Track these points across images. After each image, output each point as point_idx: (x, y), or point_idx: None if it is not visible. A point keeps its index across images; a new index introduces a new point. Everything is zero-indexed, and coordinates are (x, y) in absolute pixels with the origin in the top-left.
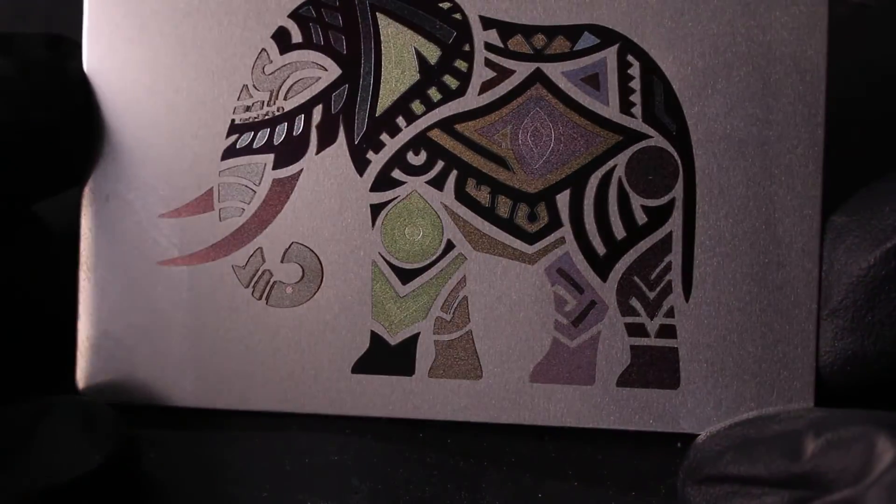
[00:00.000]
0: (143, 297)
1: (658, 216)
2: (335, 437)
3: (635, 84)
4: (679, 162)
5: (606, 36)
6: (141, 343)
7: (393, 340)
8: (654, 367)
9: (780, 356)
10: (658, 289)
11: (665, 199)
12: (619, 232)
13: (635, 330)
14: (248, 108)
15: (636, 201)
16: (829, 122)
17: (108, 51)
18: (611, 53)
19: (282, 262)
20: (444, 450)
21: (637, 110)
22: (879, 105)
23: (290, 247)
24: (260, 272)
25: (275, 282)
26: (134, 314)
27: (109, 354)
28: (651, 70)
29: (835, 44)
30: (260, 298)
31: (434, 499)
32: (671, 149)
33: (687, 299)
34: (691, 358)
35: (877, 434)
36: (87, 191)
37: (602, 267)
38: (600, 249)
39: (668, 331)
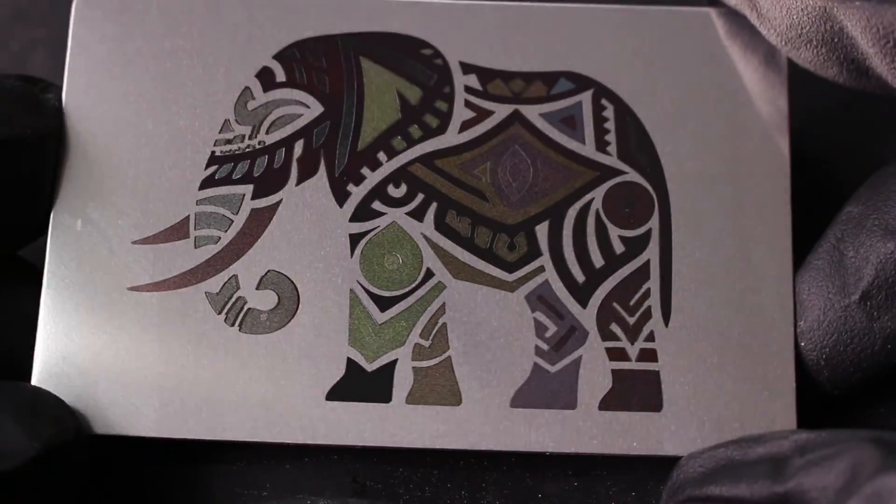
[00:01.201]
0: (109, 322)
1: (635, 245)
2: None
3: (610, 125)
4: (654, 196)
5: (581, 82)
6: (103, 370)
7: (370, 367)
8: (636, 391)
9: (761, 376)
10: (638, 314)
11: (642, 230)
12: (598, 260)
13: (616, 354)
14: (228, 141)
15: (614, 232)
16: (794, 156)
17: (89, 83)
18: (586, 97)
19: (257, 288)
20: (444, 449)
21: (612, 148)
22: (839, 137)
23: (266, 274)
24: (234, 299)
25: (249, 308)
26: (98, 340)
27: (67, 380)
28: (625, 112)
29: (795, 83)
30: (233, 325)
31: (434, 499)
32: (646, 184)
33: (667, 324)
34: (673, 381)
35: (860, 450)
36: (55, 215)
37: (582, 294)
38: (579, 277)
39: (649, 354)
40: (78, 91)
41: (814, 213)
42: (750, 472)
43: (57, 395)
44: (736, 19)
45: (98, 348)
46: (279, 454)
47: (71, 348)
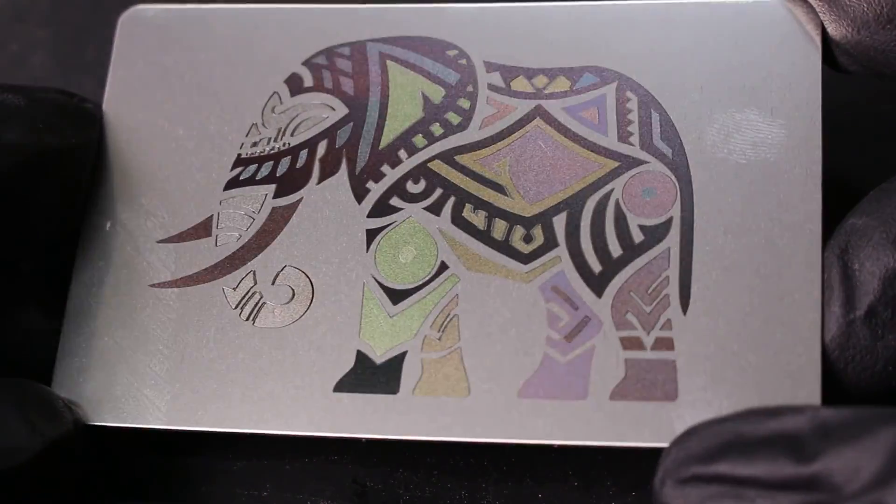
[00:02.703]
0: (127, 317)
1: (655, 234)
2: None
3: (633, 116)
4: (676, 184)
5: (606, 75)
6: (121, 364)
7: (378, 359)
8: (650, 380)
9: (784, 365)
10: (655, 303)
11: (663, 218)
12: (616, 250)
13: (631, 343)
14: (255, 144)
15: (633, 221)
16: (826, 140)
17: (128, 94)
18: (610, 90)
19: (273, 284)
20: (444, 450)
21: (635, 139)
22: (873, 123)
23: (282, 269)
24: (250, 293)
25: (264, 303)
26: (116, 333)
27: (87, 373)
28: (649, 103)
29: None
30: (247, 319)
31: (434, 499)
32: (669, 172)
33: (685, 312)
34: (690, 370)
35: (894, 431)
36: (86, 218)
37: (597, 283)
38: (596, 267)
39: (665, 343)
40: (117, 102)
41: (845, 199)
42: (766, 450)
43: (77, 387)
44: (769, 9)
45: (117, 342)
46: (279, 454)
47: (92, 343)
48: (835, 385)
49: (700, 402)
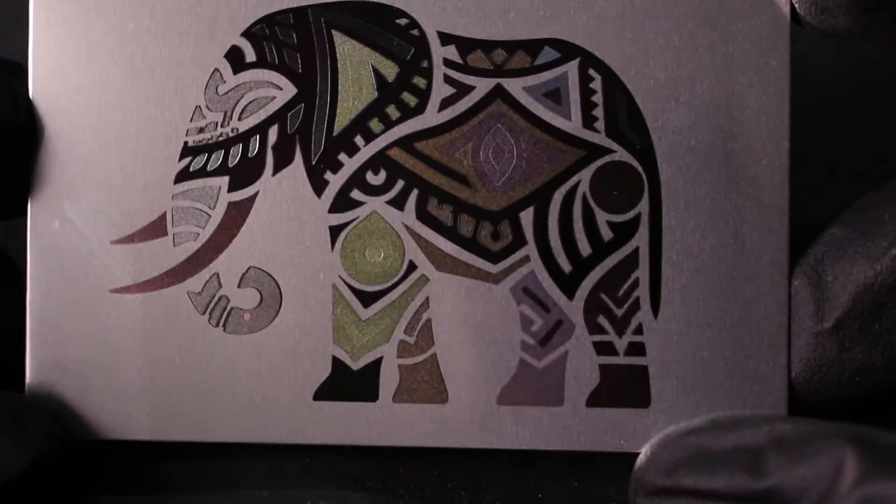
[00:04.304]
0: (94, 326)
1: (624, 232)
2: None
3: (597, 98)
4: (644, 176)
5: (567, 50)
6: (92, 375)
7: (355, 366)
8: (623, 386)
9: (752, 371)
10: (626, 306)
11: (631, 215)
12: (585, 249)
13: (604, 348)
14: (201, 130)
15: (601, 217)
16: (794, 133)
17: (55, 73)
18: (572, 68)
19: (239, 287)
20: (444, 449)
21: (600, 125)
22: (845, 114)
23: (247, 271)
24: (216, 298)
25: (232, 308)
26: (84, 344)
27: (59, 386)
28: (613, 84)
29: (798, 53)
30: (217, 325)
31: (434, 499)
32: (636, 163)
33: (655, 316)
34: (662, 376)
35: (842, 450)
36: (32, 216)
37: (568, 285)
38: (566, 267)
39: (637, 348)
40: (44, 80)
41: (813, 194)
42: (725, 464)
43: (50, 402)
44: None
45: (87, 354)
46: (279, 454)
47: (60, 355)
48: (800, 395)
49: (672, 408)
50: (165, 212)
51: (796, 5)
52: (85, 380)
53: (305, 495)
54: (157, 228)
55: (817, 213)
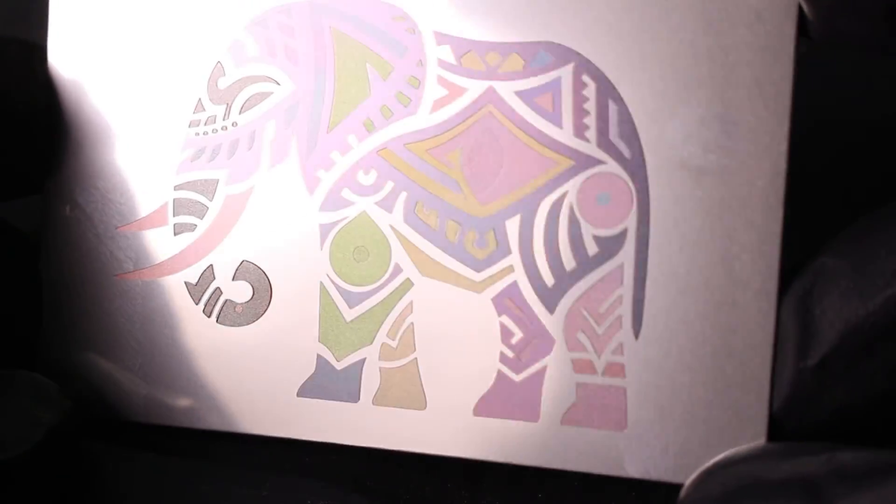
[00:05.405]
0: (100, 309)
1: (609, 247)
2: None
3: (590, 106)
4: (633, 190)
5: (562, 54)
6: (97, 356)
7: (339, 365)
8: (600, 407)
9: (732, 402)
10: (607, 324)
11: (617, 230)
12: (569, 262)
13: (582, 366)
14: (202, 122)
15: (587, 230)
16: (793, 153)
17: (72, 61)
18: (566, 73)
19: (233, 279)
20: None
21: (591, 134)
22: (846, 134)
23: (241, 265)
24: (211, 289)
25: (226, 300)
26: (91, 326)
27: (68, 369)
28: (607, 91)
29: (801, 69)
30: (210, 316)
31: (435, 498)
32: (625, 176)
33: (637, 336)
34: (639, 399)
35: None
36: (46, 200)
37: (550, 298)
38: (549, 280)
39: (616, 369)
40: (61, 66)
41: (808, 218)
42: (781, 494)
43: (59, 379)
44: None
45: (91, 336)
46: (279, 454)
47: (68, 337)
48: (779, 428)
49: (648, 434)
50: (167, 202)
51: (807, 11)
52: (89, 362)
53: (305, 495)
54: (158, 217)
55: (812, 240)
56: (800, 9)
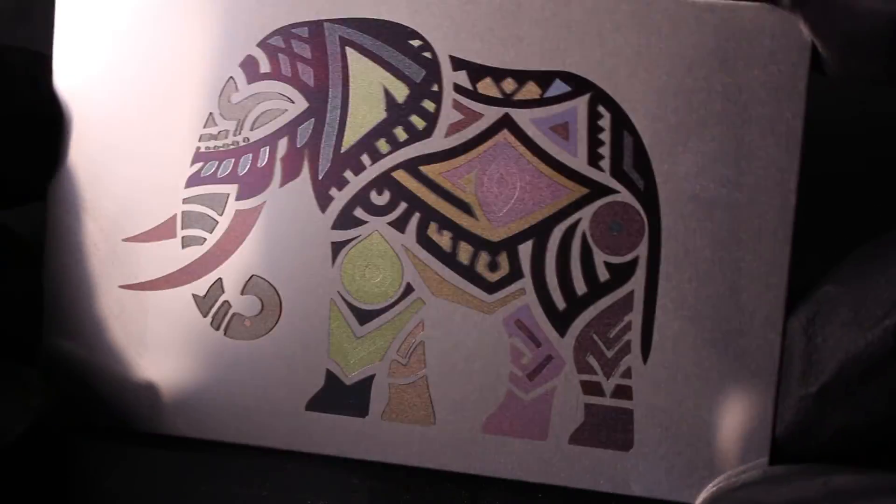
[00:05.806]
0: (104, 320)
1: (621, 274)
2: None
3: (605, 136)
4: (645, 219)
5: (578, 84)
6: (101, 366)
7: (348, 380)
8: (607, 428)
9: (737, 427)
10: (616, 348)
11: (629, 257)
12: (581, 287)
13: (591, 388)
14: (213, 137)
15: (599, 257)
16: (802, 189)
17: (78, 72)
18: (581, 103)
19: (241, 293)
20: None
21: (605, 163)
22: (854, 174)
23: (250, 279)
24: (219, 303)
25: (234, 314)
26: (96, 336)
27: (70, 376)
28: (622, 123)
29: (813, 108)
30: (218, 329)
31: (435, 499)
32: (638, 205)
33: (645, 361)
34: (646, 421)
35: None
36: (50, 207)
37: (561, 322)
38: (560, 304)
39: (624, 391)
40: (68, 77)
41: (816, 251)
42: None
43: (60, 390)
44: (766, 15)
45: (94, 346)
46: (279, 454)
47: (71, 345)
48: (784, 453)
49: (653, 455)
50: (175, 214)
51: (821, 49)
52: (92, 371)
53: (305, 495)
54: (166, 230)
55: (818, 272)
56: (813, 46)
